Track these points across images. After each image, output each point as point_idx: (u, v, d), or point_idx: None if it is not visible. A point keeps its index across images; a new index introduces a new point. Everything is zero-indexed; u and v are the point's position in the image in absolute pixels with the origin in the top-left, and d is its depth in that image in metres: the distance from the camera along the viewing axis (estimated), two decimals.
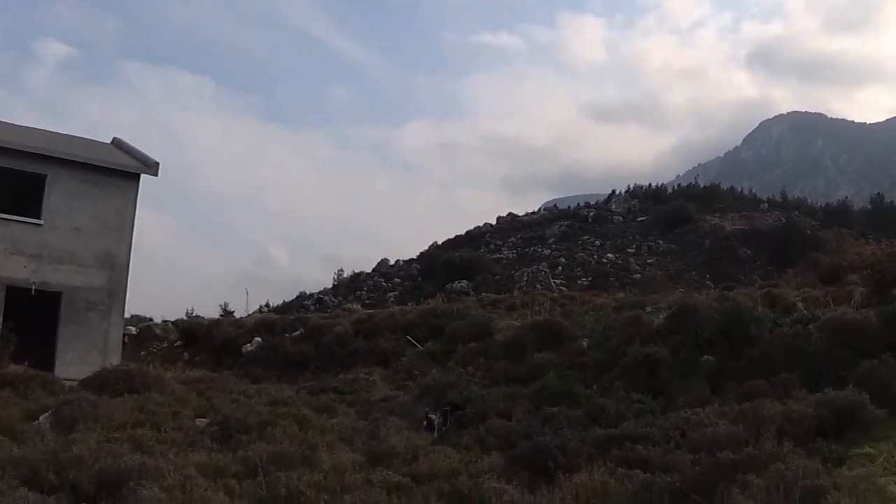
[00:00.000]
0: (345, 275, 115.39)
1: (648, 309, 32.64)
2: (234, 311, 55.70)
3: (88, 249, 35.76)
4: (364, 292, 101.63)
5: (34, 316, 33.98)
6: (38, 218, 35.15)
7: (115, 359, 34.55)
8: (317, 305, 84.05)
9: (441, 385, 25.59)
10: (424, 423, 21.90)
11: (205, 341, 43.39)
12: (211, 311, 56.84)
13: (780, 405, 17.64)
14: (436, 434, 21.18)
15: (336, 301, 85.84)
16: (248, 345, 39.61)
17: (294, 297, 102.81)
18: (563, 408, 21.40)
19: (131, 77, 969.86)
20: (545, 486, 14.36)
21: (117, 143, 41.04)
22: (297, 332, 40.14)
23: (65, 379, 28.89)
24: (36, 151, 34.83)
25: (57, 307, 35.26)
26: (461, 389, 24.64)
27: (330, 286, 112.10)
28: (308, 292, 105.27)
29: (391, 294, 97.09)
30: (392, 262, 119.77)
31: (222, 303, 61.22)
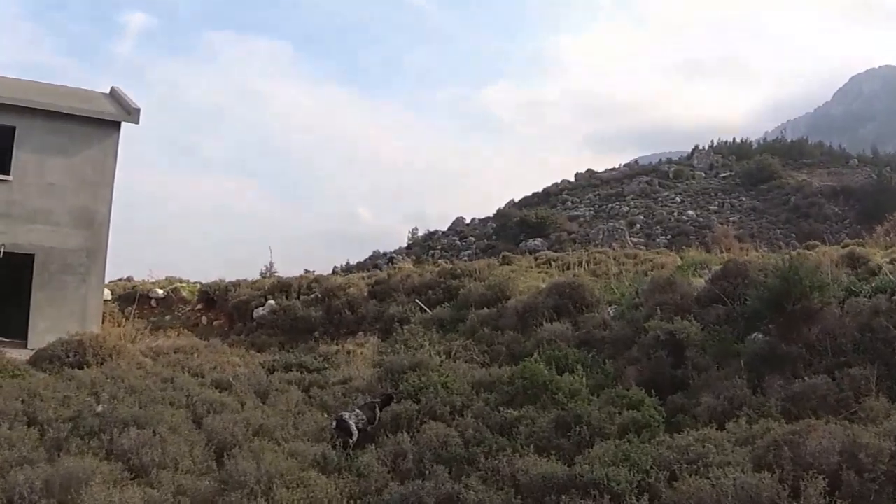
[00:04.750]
0: (419, 233, 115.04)
1: (696, 271, 27.24)
2: (314, 271, 51.78)
3: (63, 207, 32.02)
4: (438, 251, 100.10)
5: (5, 282, 31.56)
6: (7, 174, 31.54)
7: (94, 326, 30.77)
8: (389, 264, 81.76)
9: (401, 366, 20.27)
10: (333, 425, 16.44)
11: (223, 305, 40.43)
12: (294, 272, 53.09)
13: (841, 429, 11.99)
14: (353, 441, 15.76)
15: (411, 259, 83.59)
16: (261, 308, 36.83)
17: (368, 255, 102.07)
18: (532, 409, 16.07)
19: (213, 45, 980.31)
20: None
21: (113, 93, 36.86)
22: (312, 296, 36.72)
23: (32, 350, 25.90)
24: (1, 101, 31.00)
25: (29, 271, 31.60)
26: (423, 373, 19.19)
27: (405, 245, 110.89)
28: (382, 251, 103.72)
29: (465, 252, 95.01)
30: (468, 220, 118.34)
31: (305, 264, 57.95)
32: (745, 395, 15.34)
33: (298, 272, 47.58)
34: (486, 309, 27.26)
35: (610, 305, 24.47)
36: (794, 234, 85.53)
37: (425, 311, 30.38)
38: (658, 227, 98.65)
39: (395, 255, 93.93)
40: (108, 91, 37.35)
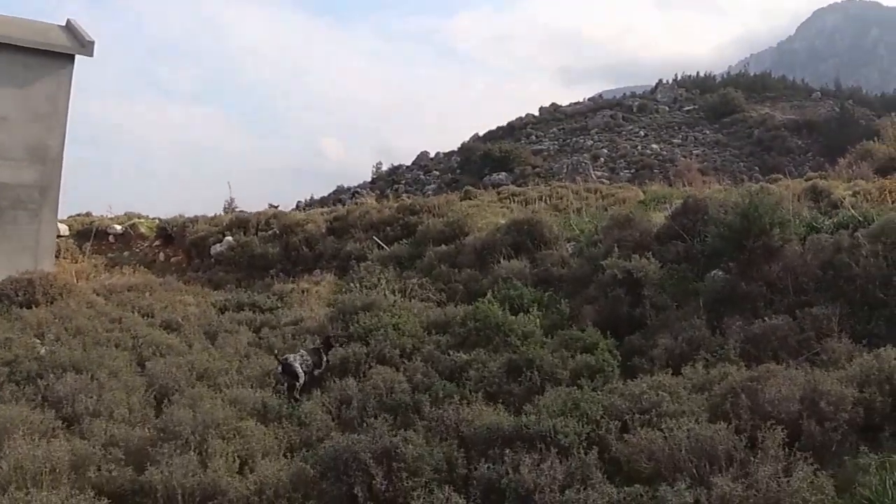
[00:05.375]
0: (384, 168, 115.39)
1: (658, 206, 26.70)
2: (278, 206, 50.99)
3: (15, 141, 30.84)
4: (402, 186, 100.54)
5: None
6: None
7: (47, 263, 29.92)
8: (353, 199, 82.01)
9: (353, 306, 19.65)
10: (279, 369, 15.81)
11: (181, 241, 38.91)
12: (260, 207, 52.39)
13: (802, 375, 11.36)
14: (299, 385, 15.13)
15: (374, 194, 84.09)
16: (218, 245, 35.60)
17: (332, 190, 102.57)
18: (483, 353, 15.35)
19: None
20: None
21: (69, 25, 35.85)
22: (270, 232, 35.51)
23: None
24: None
25: None
26: (375, 314, 18.56)
27: (369, 180, 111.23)
28: (346, 186, 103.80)
29: (429, 187, 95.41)
30: (432, 154, 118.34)
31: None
32: (704, 336, 14.80)
33: (264, 207, 47.17)
34: (443, 246, 26.51)
35: (569, 242, 23.96)
36: (757, 168, 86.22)
37: (383, 247, 29.67)
38: (622, 160, 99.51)
39: (359, 190, 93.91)
40: (64, 23, 36.43)
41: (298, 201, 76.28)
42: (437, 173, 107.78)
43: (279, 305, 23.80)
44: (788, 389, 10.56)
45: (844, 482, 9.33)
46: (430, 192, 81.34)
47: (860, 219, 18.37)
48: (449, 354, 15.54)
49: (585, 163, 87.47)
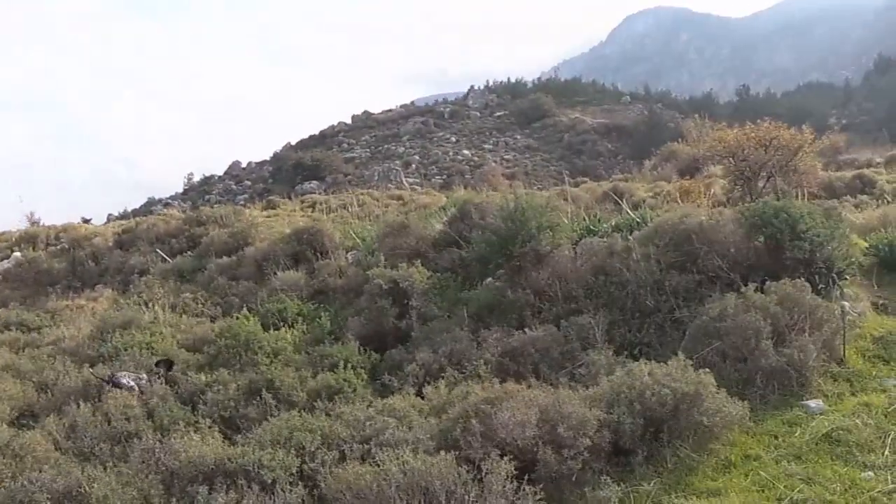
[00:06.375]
0: (195, 178, 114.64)
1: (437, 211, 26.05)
2: (90, 219, 48.96)
3: None
4: (214, 196, 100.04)
5: None
6: None
7: None
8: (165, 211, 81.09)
9: (112, 324, 18.48)
10: (108, 386, 14.21)
11: None
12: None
13: (545, 395, 10.33)
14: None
15: (186, 206, 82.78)
16: (6, 261, 34.17)
17: (143, 202, 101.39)
18: (227, 373, 14.05)
19: None
20: None
21: None
22: (59, 247, 34.90)
23: None
24: None
25: None
26: (128, 332, 17.49)
27: (181, 190, 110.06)
28: (157, 197, 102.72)
29: (241, 197, 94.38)
30: (244, 164, 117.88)
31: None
32: (466, 349, 13.86)
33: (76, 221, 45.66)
34: (225, 258, 25.61)
35: (350, 251, 23.19)
36: (567, 171, 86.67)
37: (166, 260, 28.64)
38: (434, 166, 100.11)
39: (170, 201, 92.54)
40: None
41: (110, 214, 74.75)
42: (250, 183, 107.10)
43: (48, 324, 22.76)
44: (523, 413, 9.49)
45: None
46: (241, 202, 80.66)
47: (638, 220, 17.98)
48: (188, 376, 14.41)
49: (397, 170, 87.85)
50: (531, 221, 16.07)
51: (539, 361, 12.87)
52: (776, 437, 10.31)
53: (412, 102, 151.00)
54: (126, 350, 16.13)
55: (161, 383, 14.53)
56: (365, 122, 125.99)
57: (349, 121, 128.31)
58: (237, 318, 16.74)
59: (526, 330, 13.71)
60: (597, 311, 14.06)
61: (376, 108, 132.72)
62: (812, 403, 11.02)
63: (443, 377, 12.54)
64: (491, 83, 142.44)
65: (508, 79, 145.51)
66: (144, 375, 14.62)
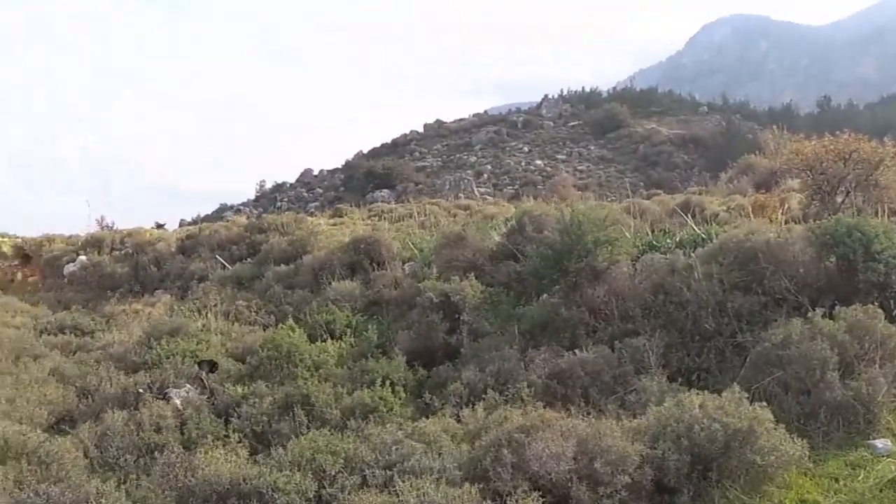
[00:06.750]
0: (267, 186, 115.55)
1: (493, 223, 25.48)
2: (164, 224, 49.63)
3: None
4: (285, 203, 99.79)
5: None
6: None
7: None
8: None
9: (160, 331, 18.24)
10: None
11: (38, 261, 38.37)
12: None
13: (586, 425, 9.65)
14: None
15: (257, 213, 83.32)
16: (72, 264, 34.82)
17: (214, 209, 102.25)
18: (264, 385, 13.73)
19: None
20: None
21: None
22: (123, 251, 35.15)
23: None
24: None
25: None
26: (174, 339, 17.26)
27: (253, 197, 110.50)
28: (229, 204, 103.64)
29: (312, 204, 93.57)
30: (316, 171, 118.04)
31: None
32: (515, 368, 13.25)
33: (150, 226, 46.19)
34: (283, 266, 25.55)
35: (407, 262, 22.79)
36: (642, 183, 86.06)
37: (226, 267, 28.71)
38: (506, 176, 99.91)
39: (241, 207, 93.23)
40: None
41: (182, 219, 75.58)
42: (321, 190, 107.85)
43: (103, 328, 22.69)
44: (558, 445, 8.89)
45: None
46: (311, 210, 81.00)
47: (703, 236, 17.34)
48: (224, 387, 14.05)
49: (468, 179, 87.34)
50: (588, 235, 15.40)
51: (589, 385, 12.23)
52: (837, 481, 9.53)
53: (485, 111, 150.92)
54: (168, 358, 15.92)
55: (198, 392, 14.36)
56: (437, 130, 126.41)
57: (421, 129, 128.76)
58: (279, 329, 16.38)
59: (576, 351, 13.07)
60: (654, 332, 13.34)
61: (448, 118, 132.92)
62: (879, 443, 10.20)
63: (484, 398, 12.06)
64: (565, 92, 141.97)
65: (583, 88, 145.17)
66: (193, 388, 14.43)
